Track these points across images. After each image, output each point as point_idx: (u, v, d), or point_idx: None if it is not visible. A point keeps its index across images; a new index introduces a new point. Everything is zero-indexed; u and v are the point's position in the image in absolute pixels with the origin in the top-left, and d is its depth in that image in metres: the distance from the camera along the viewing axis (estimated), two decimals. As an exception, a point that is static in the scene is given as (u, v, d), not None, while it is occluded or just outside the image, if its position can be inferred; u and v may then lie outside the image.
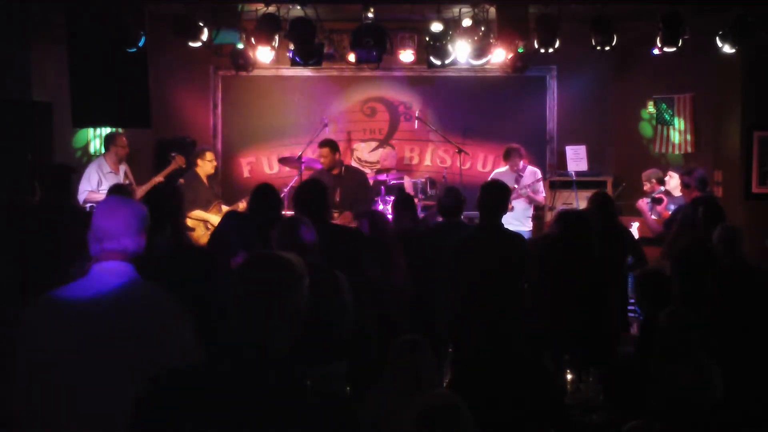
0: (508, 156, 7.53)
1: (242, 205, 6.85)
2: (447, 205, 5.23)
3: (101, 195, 6.49)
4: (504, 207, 4.70)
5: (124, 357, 2.21)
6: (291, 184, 7.68)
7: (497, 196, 4.59)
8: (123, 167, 7.18)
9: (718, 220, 4.98)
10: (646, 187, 7.33)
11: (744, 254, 4.55)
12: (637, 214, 6.68)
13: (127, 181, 7.11)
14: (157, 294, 2.37)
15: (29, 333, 2.29)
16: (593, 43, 6.65)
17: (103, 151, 7.78)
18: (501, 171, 7.70)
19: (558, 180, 8.16)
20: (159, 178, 7.05)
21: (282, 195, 7.71)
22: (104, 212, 2.40)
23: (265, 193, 4.89)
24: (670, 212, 6.44)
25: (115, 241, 2.36)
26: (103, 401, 2.20)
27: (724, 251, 4.42)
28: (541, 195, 7.59)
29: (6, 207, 4.79)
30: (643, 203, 6.61)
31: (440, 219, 5.50)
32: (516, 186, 7.36)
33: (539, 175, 7.54)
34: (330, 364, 3.51)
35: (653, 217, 6.58)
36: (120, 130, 7.38)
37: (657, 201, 6.69)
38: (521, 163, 7.53)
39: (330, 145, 7.20)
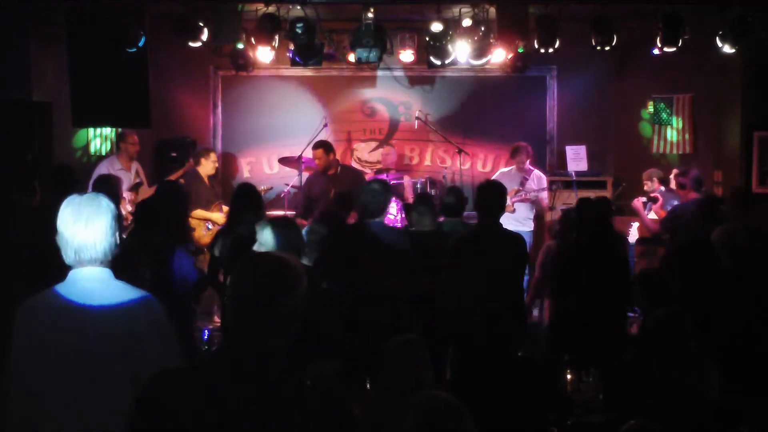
0: (515, 153, 7.50)
1: (225, 209, 6.83)
2: (450, 204, 5.24)
3: None
4: (501, 206, 4.71)
5: (109, 362, 2.24)
6: (291, 184, 7.68)
7: (493, 196, 4.60)
8: (135, 165, 7.20)
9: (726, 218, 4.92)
10: (647, 186, 7.33)
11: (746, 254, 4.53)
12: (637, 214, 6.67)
13: (138, 180, 7.13)
14: (136, 297, 2.35)
15: (25, 330, 2.31)
16: (593, 43, 6.65)
17: (103, 151, 7.80)
18: (506, 171, 7.69)
19: (558, 180, 8.16)
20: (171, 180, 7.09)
21: (282, 195, 7.75)
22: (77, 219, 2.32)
23: (247, 194, 4.93)
24: (666, 212, 6.43)
25: (92, 249, 2.32)
26: (90, 403, 2.24)
27: (726, 251, 4.39)
28: (545, 201, 7.58)
29: (8, 208, 4.79)
30: (639, 202, 6.60)
31: (441, 218, 5.50)
32: (521, 188, 7.33)
33: (545, 182, 7.51)
34: (320, 361, 3.51)
35: (650, 216, 6.57)
36: (119, 129, 7.40)
37: (653, 200, 6.69)
38: (527, 162, 7.51)
39: (324, 146, 7.19)
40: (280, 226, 3.62)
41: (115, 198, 5.39)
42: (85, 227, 2.30)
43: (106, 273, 2.35)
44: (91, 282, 2.32)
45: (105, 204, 2.36)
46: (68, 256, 2.32)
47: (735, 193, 5.02)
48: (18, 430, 2.28)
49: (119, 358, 2.24)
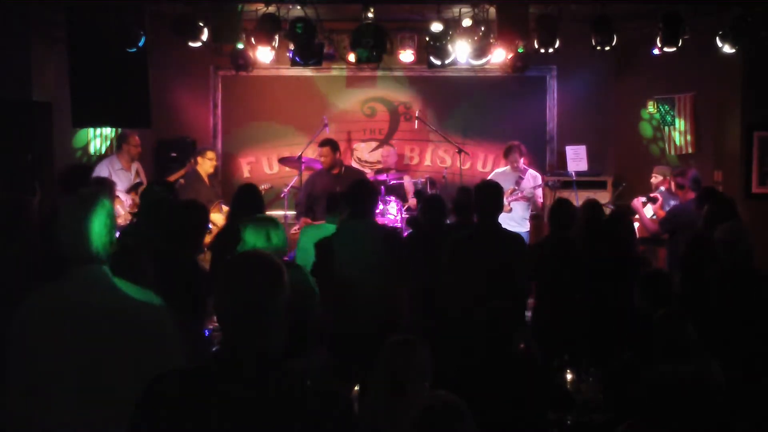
0: (508, 153, 7.52)
1: (225, 209, 6.83)
2: (462, 204, 5.25)
3: None
4: (499, 206, 4.71)
5: (108, 361, 2.24)
6: (291, 184, 7.68)
7: (491, 196, 4.60)
8: (135, 166, 7.22)
9: (727, 217, 4.90)
10: (653, 179, 7.36)
11: (748, 253, 4.52)
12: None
13: (138, 180, 7.14)
14: (134, 296, 2.37)
15: (24, 328, 2.31)
16: (593, 43, 6.64)
17: (103, 151, 7.80)
18: (502, 171, 7.69)
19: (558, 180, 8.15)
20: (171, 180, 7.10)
21: (282, 195, 7.75)
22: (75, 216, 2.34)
23: (248, 195, 4.92)
24: (665, 212, 6.43)
25: (90, 246, 2.33)
26: (90, 403, 2.23)
27: (726, 251, 4.39)
28: (541, 200, 7.60)
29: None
30: (638, 202, 6.59)
31: (449, 219, 5.51)
32: (516, 187, 7.33)
33: (540, 180, 7.52)
34: (306, 356, 3.52)
35: (649, 216, 6.57)
36: (119, 130, 7.40)
37: (652, 200, 6.69)
38: (521, 161, 7.51)
39: (330, 144, 7.22)
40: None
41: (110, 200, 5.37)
42: (84, 224, 2.31)
43: (104, 271, 2.36)
44: (91, 280, 2.32)
45: (102, 202, 2.38)
46: (67, 253, 2.34)
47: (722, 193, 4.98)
48: (16, 428, 2.27)
49: (119, 357, 2.23)
